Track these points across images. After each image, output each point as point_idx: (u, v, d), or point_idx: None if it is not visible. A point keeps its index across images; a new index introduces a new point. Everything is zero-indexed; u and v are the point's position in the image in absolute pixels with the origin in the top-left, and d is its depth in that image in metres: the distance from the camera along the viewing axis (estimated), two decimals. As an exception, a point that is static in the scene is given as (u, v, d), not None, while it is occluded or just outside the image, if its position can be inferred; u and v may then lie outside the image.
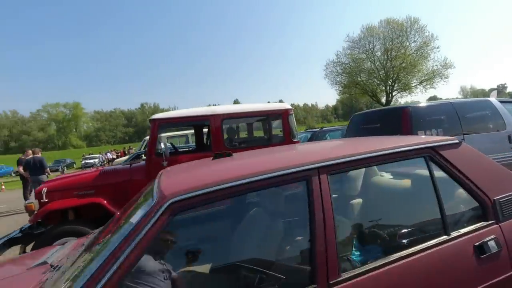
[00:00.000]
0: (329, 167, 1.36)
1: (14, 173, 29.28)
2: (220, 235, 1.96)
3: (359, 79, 32.58)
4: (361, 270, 1.25)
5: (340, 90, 35.03)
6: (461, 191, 1.59)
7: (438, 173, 1.61)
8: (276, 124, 4.83)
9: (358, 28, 32.70)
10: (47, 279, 1.45)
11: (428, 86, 30.96)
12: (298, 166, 1.32)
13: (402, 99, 33.86)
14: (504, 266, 1.41)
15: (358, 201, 2.23)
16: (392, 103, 31.92)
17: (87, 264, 1.24)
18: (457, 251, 1.38)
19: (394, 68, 31.10)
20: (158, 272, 1.36)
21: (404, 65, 30.23)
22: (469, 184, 1.54)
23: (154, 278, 1.33)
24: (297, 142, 4.58)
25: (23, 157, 8.91)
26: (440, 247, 1.38)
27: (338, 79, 33.67)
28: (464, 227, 1.48)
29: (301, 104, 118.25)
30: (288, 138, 4.45)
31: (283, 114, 4.49)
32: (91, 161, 30.19)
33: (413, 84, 31.67)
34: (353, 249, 1.68)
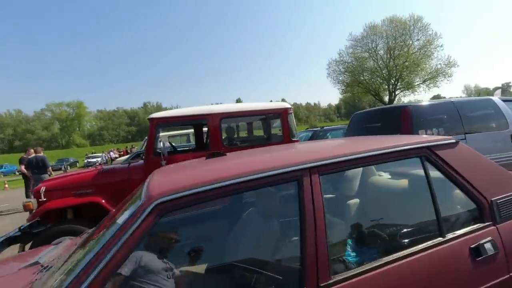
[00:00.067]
0: (320, 167, 1.33)
1: (17, 171, 29.51)
2: (209, 235, 1.94)
3: (362, 78, 32.41)
4: (353, 273, 1.23)
5: (343, 89, 34.87)
6: (457, 191, 1.56)
7: (435, 174, 1.58)
8: (276, 123, 4.81)
9: (365, 25, 32.17)
10: (36, 279, 1.44)
11: (432, 85, 30.76)
12: (289, 166, 1.30)
13: (405, 98, 33.67)
14: (501, 269, 1.38)
15: (355, 201, 2.20)
16: (395, 102, 31.73)
17: (75, 265, 1.23)
18: (452, 253, 1.35)
19: (397, 67, 30.90)
20: (161, 271, 1.36)
21: (407, 63, 30.02)
22: (465, 185, 1.50)
23: (157, 276, 1.34)
24: (297, 141, 4.55)
25: (25, 156, 8.96)
26: (435, 249, 1.35)
27: (340, 78, 33.56)
28: (460, 228, 1.45)
29: (303, 103, 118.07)
30: (287, 137, 4.42)
31: (282, 113, 4.46)
32: (94, 160, 30.32)
33: (416, 83, 31.47)
34: (349, 250, 1.65)
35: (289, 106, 4.60)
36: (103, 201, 3.71)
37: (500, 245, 1.41)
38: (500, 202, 1.50)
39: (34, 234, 3.59)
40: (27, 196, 9.01)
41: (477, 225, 1.46)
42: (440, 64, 29.91)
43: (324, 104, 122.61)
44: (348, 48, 32.93)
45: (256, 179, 1.24)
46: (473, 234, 1.42)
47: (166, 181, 1.33)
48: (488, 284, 1.33)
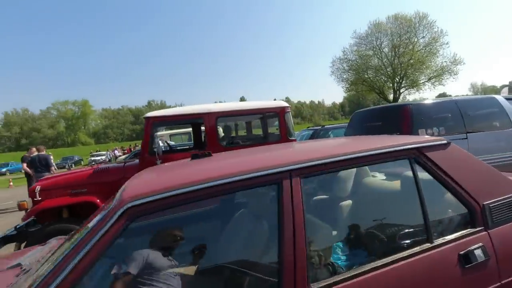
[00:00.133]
0: (302, 169, 1.28)
1: (22, 170, 29.82)
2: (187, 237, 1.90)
3: (366, 76, 32.07)
4: (333, 281, 1.17)
5: (347, 87, 34.54)
6: (448, 195, 1.49)
7: (427, 176, 1.52)
8: (275, 122, 4.75)
9: (369, 23, 31.76)
10: (12, 284, 1.41)
11: (437, 83, 30.30)
12: (269, 168, 1.25)
13: (410, 96, 33.28)
14: (491, 277, 1.31)
15: (347, 203, 2.14)
16: (399, 100, 31.38)
17: (47, 267, 1.20)
18: (440, 260, 1.29)
19: (402, 65, 30.51)
20: (167, 268, 1.35)
21: (412, 61, 29.62)
22: (456, 188, 1.44)
23: (164, 274, 1.33)
24: (294, 140, 4.49)
25: (27, 154, 9.03)
26: (422, 255, 1.29)
27: (344, 76, 33.21)
28: (450, 234, 1.38)
29: (307, 102, 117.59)
30: (284, 136, 4.36)
31: (279, 112, 4.41)
32: (98, 158, 30.52)
33: (421, 81, 31.04)
34: (339, 253, 1.60)
35: (287, 105, 4.54)
36: (98, 200, 3.70)
37: (491, 251, 1.34)
38: (492, 206, 1.43)
39: (30, 233, 3.59)
40: (30, 195, 9.07)
41: (467, 230, 1.39)
42: (445, 61, 29.46)
43: (328, 102, 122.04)
44: (352, 46, 32.61)
45: (233, 182, 1.19)
46: (463, 240, 1.35)
47: (141, 184, 1.29)
48: (477, 293, 1.27)
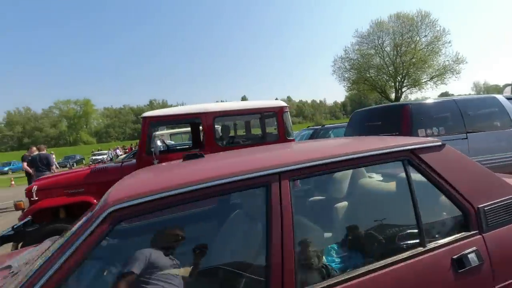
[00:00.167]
0: (291, 172, 1.25)
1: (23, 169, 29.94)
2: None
3: (368, 75, 31.93)
4: (320, 286, 1.15)
5: (349, 87, 34.37)
6: (443, 198, 1.46)
7: (422, 178, 1.49)
8: (273, 121, 4.72)
9: (371, 22, 31.60)
10: (1, 286, 1.39)
11: (439, 82, 30.11)
12: (258, 171, 1.22)
13: (412, 96, 33.08)
14: (485, 282, 1.28)
15: (343, 204, 2.12)
16: (401, 99, 31.22)
17: (33, 269, 1.18)
18: (432, 264, 1.26)
19: (404, 64, 30.34)
20: (170, 268, 1.35)
21: (414, 60, 29.44)
22: (450, 190, 1.40)
23: (167, 273, 1.33)
24: (292, 140, 4.46)
25: (27, 153, 9.05)
26: (414, 260, 1.26)
27: (346, 75, 33.06)
28: (443, 237, 1.35)
29: (309, 101, 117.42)
30: (282, 136, 4.34)
31: (277, 112, 4.38)
32: (100, 157, 30.61)
33: (424, 80, 30.86)
34: (334, 255, 1.58)
35: (285, 104, 4.50)
36: (95, 200, 3.69)
37: (485, 255, 1.31)
38: (487, 209, 1.40)
39: (27, 233, 3.58)
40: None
41: (461, 234, 1.36)
42: (448, 60, 29.28)
43: (330, 101, 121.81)
44: (354, 45, 32.46)
45: (219, 184, 1.17)
46: (456, 244, 1.32)
47: (127, 186, 1.27)
48: (470, 299, 1.24)
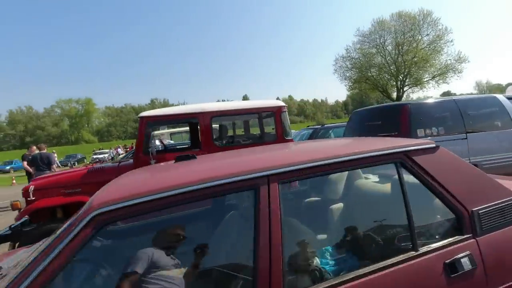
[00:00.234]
0: (280, 175, 1.23)
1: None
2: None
3: (370, 74, 31.76)
4: (309, 291, 1.13)
5: (350, 86, 34.22)
6: (436, 201, 1.44)
7: (415, 180, 1.46)
8: (271, 121, 4.69)
9: (373, 20, 31.46)
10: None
11: (441, 81, 29.94)
12: (246, 173, 1.20)
13: (413, 95, 32.92)
14: (478, 287, 1.26)
15: (338, 206, 2.09)
16: (403, 98, 31.09)
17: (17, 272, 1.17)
18: (424, 269, 1.24)
19: (406, 63, 30.17)
20: (171, 267, 1.35)
21: (416, 59, 29.28)
22: (443, 193, 1.38)
23: (168, 273, 1.33)
24: (291, 140, 4.44)
25: (27, 152, 9.06)
26: (405, 264, 1.24)
27: (347, 74, 32.89)
28: (436, 241, 1.33)
29: (310, 100, 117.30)
30: (280, 136, 4.31)
31: (275, 112, 4.35)
32: (101, 156, 30.67)
33: (425, 79, 30.70)
34: (328, 257, 1.56)
35: (283, 104, 4.48)
36: (92, 200, 3.68)
37: (478, 259, 1.29)
38: (482, 212, 1.37)
39: (24, 233, 3.58)
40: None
41: (454, 237, 1.34)
42: (450, 59, 29.10)
43: (331, 100, 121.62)
44: (356, 44, 32.29)
45: (207, 188, 1.15)
46: (449, 248, 1.30)
47: (113, 189, 1.26)
48: (462, 304, 1.22)
